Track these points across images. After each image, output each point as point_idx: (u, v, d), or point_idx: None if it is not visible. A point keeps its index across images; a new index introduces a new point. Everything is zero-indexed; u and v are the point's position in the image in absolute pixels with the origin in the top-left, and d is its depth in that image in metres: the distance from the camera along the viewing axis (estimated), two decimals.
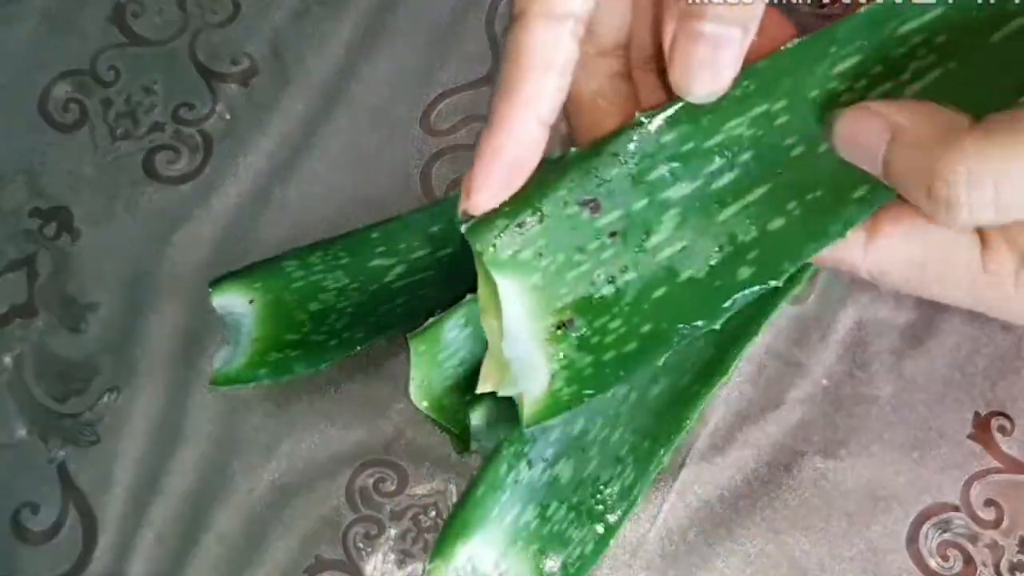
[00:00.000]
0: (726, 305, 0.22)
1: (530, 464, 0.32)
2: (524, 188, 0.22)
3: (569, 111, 0.24)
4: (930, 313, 0.37)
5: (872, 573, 0.34)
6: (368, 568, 0.34)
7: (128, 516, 0.35)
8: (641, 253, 0.22)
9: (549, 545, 0.32)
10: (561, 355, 0.22)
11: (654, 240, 0.22)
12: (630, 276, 0.22)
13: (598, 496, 0.32)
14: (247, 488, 0.35)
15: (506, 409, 0.33)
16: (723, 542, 0.34)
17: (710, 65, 0.21)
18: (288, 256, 0.37)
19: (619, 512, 0.32)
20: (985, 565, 0.34)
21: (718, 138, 0.22)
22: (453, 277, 0.36)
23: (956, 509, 0.34)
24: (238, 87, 0.41)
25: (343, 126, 0.40)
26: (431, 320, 0.34)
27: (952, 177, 0.19)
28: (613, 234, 0.21)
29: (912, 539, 0.34)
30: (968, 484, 0.35)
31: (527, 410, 0.22)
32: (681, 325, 0.22)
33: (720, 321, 0.22)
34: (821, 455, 0.35)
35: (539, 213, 0.22)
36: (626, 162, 0.22)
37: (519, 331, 0.21)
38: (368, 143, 0.40)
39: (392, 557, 0.34)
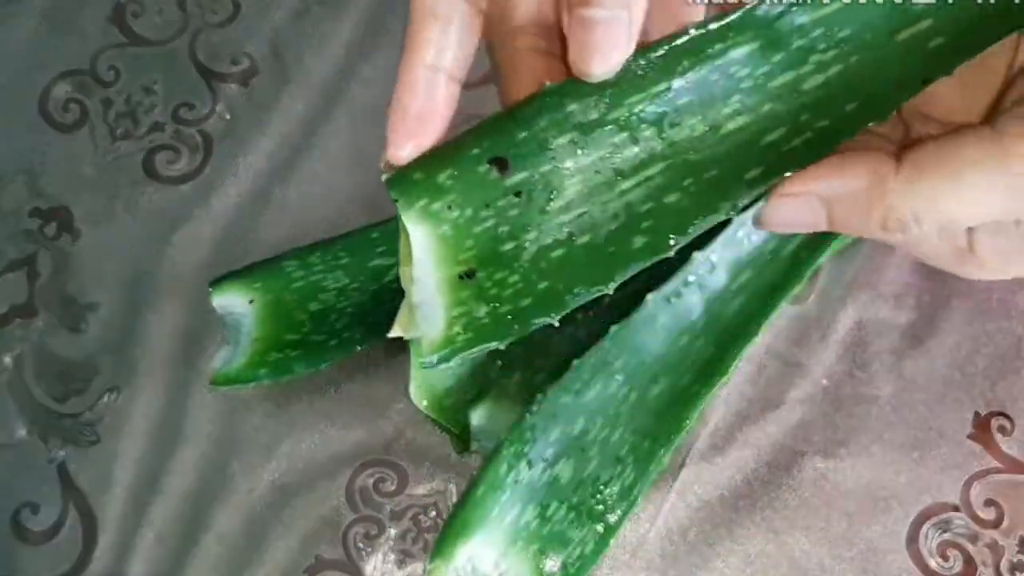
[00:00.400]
0: (620, 272, 0.23)
1: (530, 464, 0.32)
2: (445, 144, 0.23)
3: (498, 78, 0.25)
4: (930, 313, 0.37)
5: (872, 573, 0.34)
6: (368, 568, 0.34)
7: (128, 516, 0.35)
8: (543, 214, 0.23)
9: (549, 545, 0.32)
10: (460, 302, 0.23)
11: (556, 203, 0.23)
12: (531, 235, 0.23)
13: (598, 496, 0.33)
14: (247, 488, 0.35)
15: (507, 410, 0.33)
16: (723, 542, 0.34)
17: (600, 46, 0.21)
18: (288, 256, 0.37)
19: (619, 512, 0.32)
20: (985, 565, 0.34)
21: (619, 112, 0.23)
22: None
23: (956, 509, 0.34)
24: (238, 87, 0.41)
25: (343, 126, 0.40)
26: None
27: (897, 219, 0.21)
28: (519, 194, 0.23)
29: (912, 539, 0.34)
30: (968, 484, 0.35)
31: (423, 350, 0.23)
32: (576, 288, 0.23)
33: (613, 287, 0.23)
34: (821, 455, 0.35)
35: (452, 168, 0.23)
36: (534, 128, 0.23)
37: (425, 277, 0.23)
38: (368, 143, 0.40)
39: (392, 557, 0.34)
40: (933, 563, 0.34)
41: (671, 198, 0.23)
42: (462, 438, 0.34)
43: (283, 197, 0.39)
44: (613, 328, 0.33)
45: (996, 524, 0.34)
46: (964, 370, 0.36)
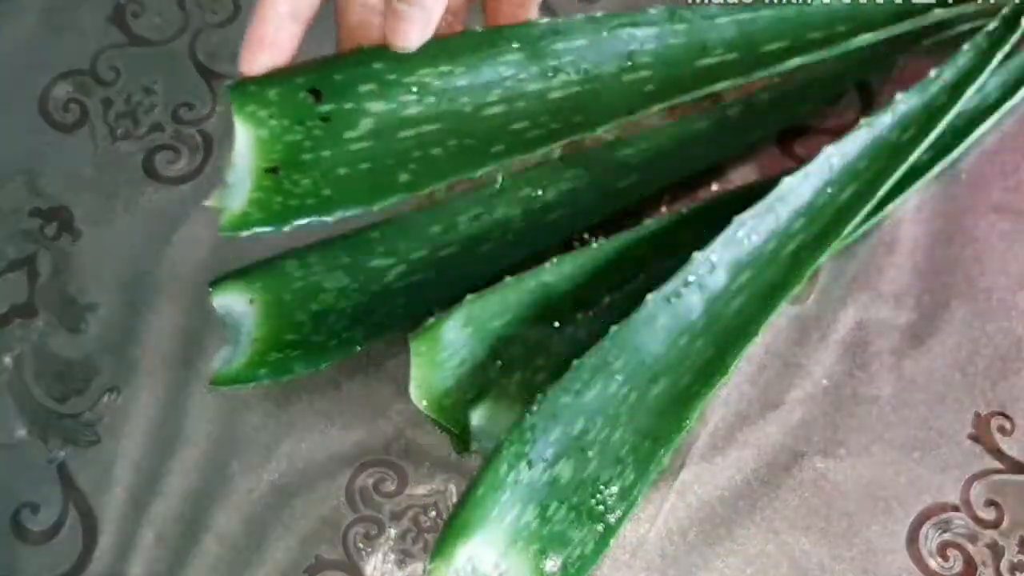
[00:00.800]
0: (385, 198, 0.29)
1: (530, 464, 0.32)
2: (281, 70, 0.29)
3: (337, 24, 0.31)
4: (930, 313, 0.37)
5: (872, 573, 0.34)
6: (368, 568, 0.34)
7: (128, 516, 0.35)
8: (339, 139, 0.29)
9: (549, 545, 0.32)
10: (261, 188, 0.29)
11: (351, 134, 0.29)
12: (326, 153, 0.29)
13: (598, 496, 0.33)
14: (247, 488, 0.35)
15: (507, 410, 0.33)
16: (723, 542, 0.34)
17: (404, 30, 0.28)
18: (288, 256, 0.37)
19: (619, 512, 0.32)
20: (985, 565, 0.34)
21: (412, 78, 0.30)
22: (453, 277, 0.36)
23: (956, 509, 0.34)
24: None
25: None
26: (431, 320, 0.34)
27: None
28: (325, 119, 0.29)
29: (912, 539, 0.34)
30: (968, 484, 0.35)
31: (223, 220, 0.29)
32: (349, 200, 0.29)
33: (374, 207, 0.29)
34: (821, 455, 0.35)
35: (280, 88, 0.29)
36: (348, 74, 0.30)
37: (241, 164, 0.29)
38: None
39: (392, 557, 0.34)
40: (933, 563, 0.34)
41: (435, 151, 0.29)
42: (462, 438, 0.34)
43: None
44: (613, 328, 0.33)
45: (996, 524, 0.34)
46: (964, 370, 0.36)
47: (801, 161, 0.35)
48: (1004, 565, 0.34)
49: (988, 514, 0.34)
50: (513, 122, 0.30)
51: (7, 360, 0.37)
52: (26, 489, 0.35)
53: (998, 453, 0.35)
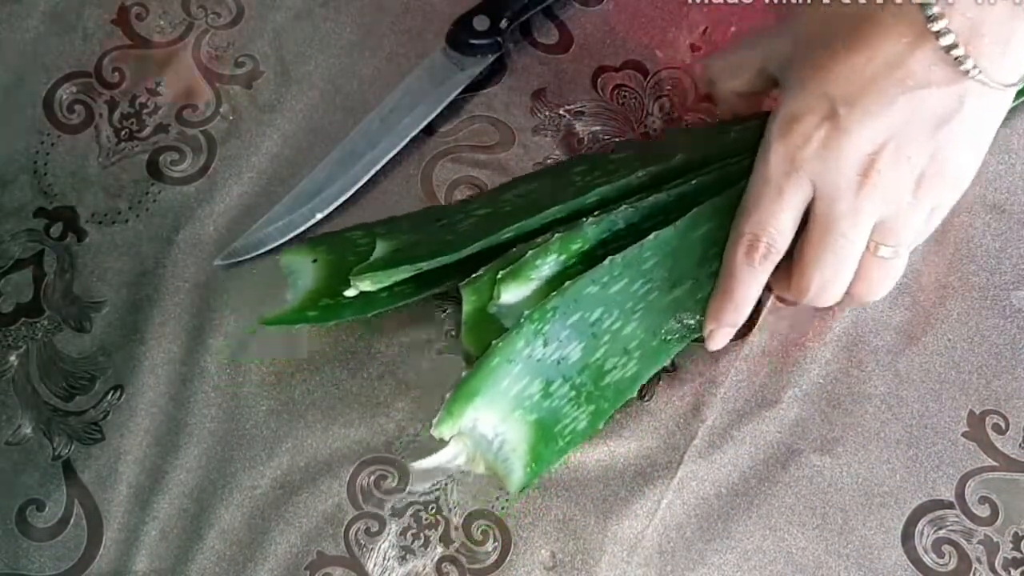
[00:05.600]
0: (459, 249, 0.35)
1: (545, 342, 0.33)
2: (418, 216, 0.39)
3: None
4: (926, 311, 0.37)
5: (867, 569, 0.34)
6: (369, 564, 0.34)
7: (132, 512, 0.35)
8: (451, 228, 0.37)
9: (547, 417, 0.33)
10: (393, 254, 0.36)
11: (458, 220, 0.38)
12: (443, 232, 0.37)
13: (599, 382, 0.34)
14: (250, 485, 0.35)
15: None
16: (720, 538, 0.35)
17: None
18: (355, 228, 0.38)
19: (613, 397, 0.34)
20: (980, 561, 0.34)
21: (501, 198, 0.39)
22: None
23: (951, 506, 0.35)
24: (241, 88, 0.41)
25: (345, 126, 0.40)
26: (482, 270, 0.34)
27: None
28: (441, 224, 0.38)
29: (907, 536, 0.34)
30: (963, 481, 0.35)
31: (360, 269, 0.35)
32: (434, 255, 0.35)
33: (457, 256, 0.35)
34: (817, 452, 0.35)
35: (412, 220, 0.39)
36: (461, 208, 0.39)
37: (379, 250, 0.36)
38: None
39: (393, 553, 0.35)
40: (928, 559, 0.34)
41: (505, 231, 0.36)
42: None
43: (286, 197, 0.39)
44: (655, 233, 0.34)
45: (990, 521, 0.35)
46: (959, 368, 0.36)
47: None
48: (999, 561, 0.34)
49: (983, 511, 0.35)
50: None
51: (12, 358, 0.37)
52: (32, 486, 0.36)
53: (992, 450, 0.35)
